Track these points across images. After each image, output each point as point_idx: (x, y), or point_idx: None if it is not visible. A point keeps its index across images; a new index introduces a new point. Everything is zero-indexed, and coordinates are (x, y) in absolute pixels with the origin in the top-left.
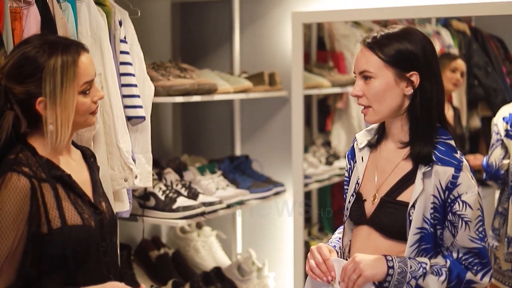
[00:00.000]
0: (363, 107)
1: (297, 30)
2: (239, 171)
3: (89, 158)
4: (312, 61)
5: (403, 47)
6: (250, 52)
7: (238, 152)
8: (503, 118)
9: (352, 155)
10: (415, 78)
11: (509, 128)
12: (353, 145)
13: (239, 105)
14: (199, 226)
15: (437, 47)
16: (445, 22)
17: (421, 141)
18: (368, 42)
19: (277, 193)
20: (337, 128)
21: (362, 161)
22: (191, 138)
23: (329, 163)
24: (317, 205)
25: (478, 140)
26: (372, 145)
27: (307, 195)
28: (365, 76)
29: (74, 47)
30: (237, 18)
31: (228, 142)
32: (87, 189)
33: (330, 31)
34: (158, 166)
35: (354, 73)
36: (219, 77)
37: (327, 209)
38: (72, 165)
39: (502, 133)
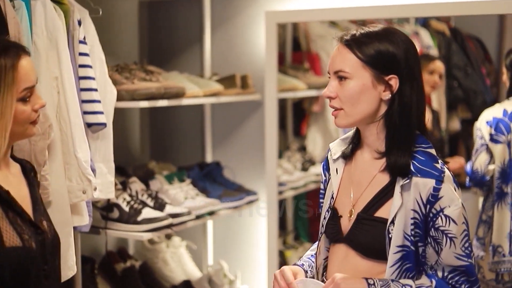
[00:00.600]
0: (333, 109)
1: (271, 30)
2: (210, 179)
3: (28, 172)
4: (286, 62)
5: (384, 48)
6: (222, 53)
7: (209, 158)
8: (487, 122)
9: (326, 167)
10: (394, 82)
11: (493, 132)
12: (327, 155)
13: (210, 109)
14: (168, 236)
15: (416, 48)
16: (424, 22)
17: (398, 151)
18: (346, 40)
19: (249, 202)
20: (313, 132)
21: (337, 173)
22: (159, 144)
23: (304, 169)
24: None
25: (458, 143)
26: (347, 156)
27: (282, 203)
28: (340, 76)
29: (14, 50)
30: (208, 17)
31: (198, 148)
32: (27, 207)
33: (306, 32)
34: (124, 174)
35: (328, 73)
36: (188, 80)
37: (303, 217)
38: (10, 180)
39: (487, 137)
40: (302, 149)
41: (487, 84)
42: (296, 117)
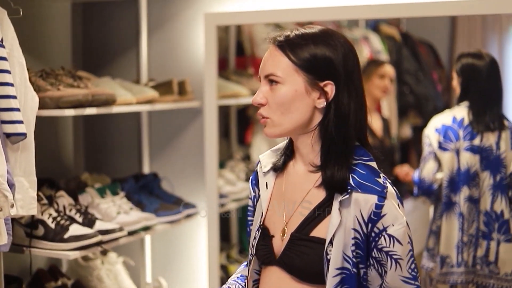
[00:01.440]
0: (261, 117)
1: (210, 33)
2: (146, 191)
3: None
4: (230, 68)
5: (320, 52)
6: (159, 58)
7: (146, 169)
8: (436, 129)
9: (255, 181)
10: (330, 88)
11: (442, 139)
12: (256, 168)
13: (147, 117)
14: (103, 252)
15: (366, 53)
16: (374, 27)
17: (334, 164)
18: (279, 41)
19: (188, 216)
20: (258, 140)
21: (267, 188)
22: (94, 154)
23: (248, 179)
24: (237, 225)
25: (409, 151)
26: (279, 168)
27: (225, 216)
28: (271, 81)
29: None
30: (144, 20)
31: (135, 159)
32: None
33: (250, 36)
34: (55, 187)
35: (259, 77)
36: (120, 86)
37: (248, 229)
38: None
39: (435, 145)
40: (247, 158)
41: (439, 90)
42: (240, 125)
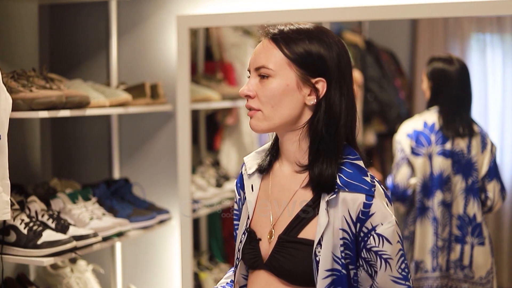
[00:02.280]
0: (249, 110)
1: (183, 36)
2: (118, 197)
3: None
4: (199, 72)
5: (314, 48)
6: (130, 61)
7: (116, 175)
8: (408, 135)
9: (241, 184)
10: (322, 86)
11: (414, 145)
12: (241, 171)
13: (117, 121)
14: (73, 260)
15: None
16: (338, 34)
17: (323, 163)
18: (273, 34)
19: (161, 221)
20: (227, 146)
21: (253, 190)
22: (62, 159)
23: (219, 185)
24: (206, 232)
25: (373, 157)
26: (264, 169)
27: (195, 222)
28: (262, 75)
29: None
30: (114, 22)
31: (105, 164)
32: None
33: (219, 40)
34: (23, 193)
35: (249, 70)
36: (92, 89)
37: (217, 236)
38: None
39: (407, 150)
40: (216, 164)
41: (401, 97)
42: (209, 130)
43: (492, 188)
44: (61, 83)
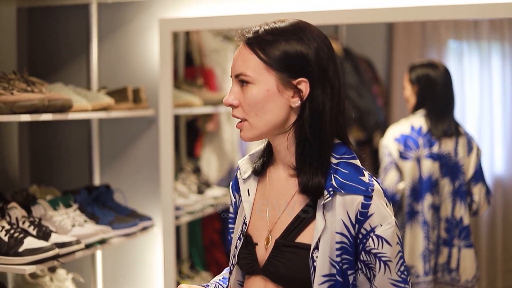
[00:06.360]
0: (238, 121)
1: (165, 40)
2: (99, 203)
3: None
4: (180, 77)
5: (291, 48)
6: (111, 65)
7: (97, 181)
8: (395, 139)
9: (236, 187)
10: (304, 86)
11: (402, 149)
12: (236, 174)
13: (97, 125)
14: (52, 269)
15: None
16: None
17: (310, 168)
18: (248, 38)
19: (144, 228)
20: (207, 153)
21: (249, 194)
22: (41, 165)
23: (200, 192)
24: (187, 240)
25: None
26: (259, 172)
27: (176, 230)
28: (242, 81)
29: None
30: (94, 25)
31: (85, 170)
32: None
33: (199, 46)
34: (1, 199)
35: (231, 76)
36: (74, 92)
37: (198, 244)
38: None
39: (395, 155)
40: (197, 170)
41: (379, 104)
42: (190, 137)
43: (478, 191)
44: (43, 86)
